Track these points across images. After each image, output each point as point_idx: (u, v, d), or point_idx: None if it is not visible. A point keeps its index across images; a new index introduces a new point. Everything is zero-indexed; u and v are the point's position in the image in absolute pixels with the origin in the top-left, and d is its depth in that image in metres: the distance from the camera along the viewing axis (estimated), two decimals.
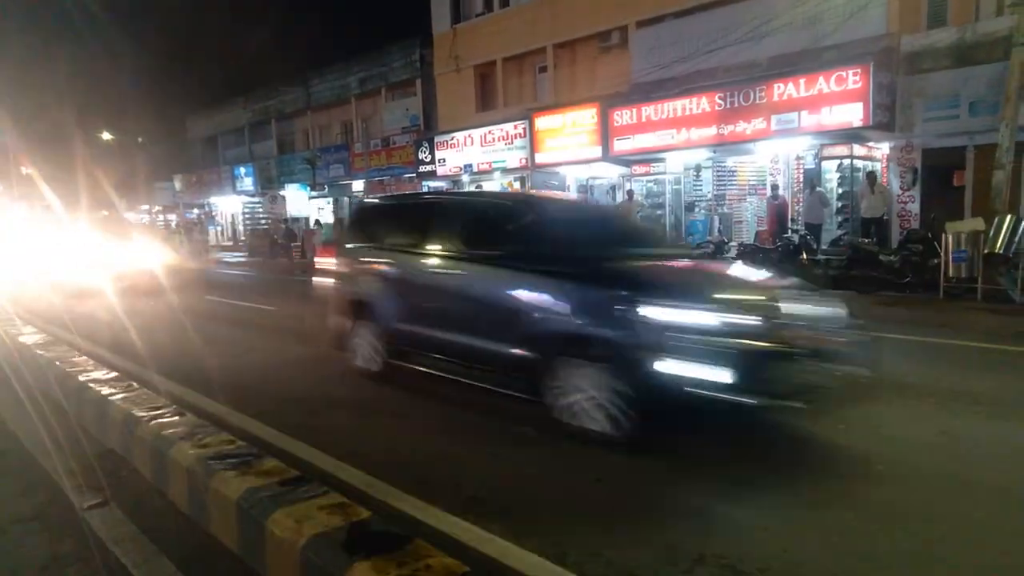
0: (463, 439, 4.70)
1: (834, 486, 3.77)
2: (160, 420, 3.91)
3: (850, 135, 14.09)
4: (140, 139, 41.59)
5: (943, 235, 11.17)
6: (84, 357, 5.84)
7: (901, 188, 14.16)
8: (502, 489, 3.72)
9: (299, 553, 2.47)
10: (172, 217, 40.88)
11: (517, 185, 23.11)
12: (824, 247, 13.59)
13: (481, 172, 22.27)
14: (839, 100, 13.46)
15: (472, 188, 23.49)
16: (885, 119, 13.56)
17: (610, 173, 19.60)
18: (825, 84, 13.64)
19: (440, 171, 23.43)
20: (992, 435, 4.61)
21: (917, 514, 3.41)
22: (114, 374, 5.13)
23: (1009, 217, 10.86)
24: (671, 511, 3.48)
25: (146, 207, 42.54)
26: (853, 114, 13.32)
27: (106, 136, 38.54)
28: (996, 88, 11.92)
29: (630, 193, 18.15)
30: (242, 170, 34.90)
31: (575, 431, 4.47)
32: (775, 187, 15.53)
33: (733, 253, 14.13)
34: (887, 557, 3.00)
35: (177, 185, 40.67)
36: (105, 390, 4.59)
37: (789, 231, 14.11)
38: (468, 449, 4.48)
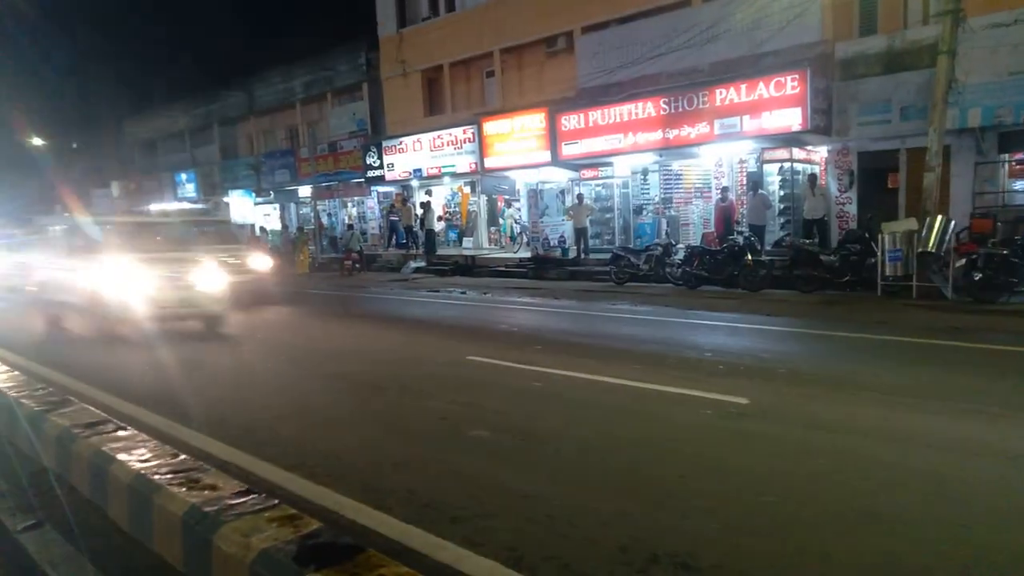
0: (416, 444, 4.66)
1: (777, 483, 3.86)
2: (99, 435, 3.76)
3: (790, 139, 14.52)
4: (74, 144, 40.09)
5: (879, 235, 11.59)
6: (16, 371, 5.58)
7: (839, 190, 14.65)
8: (456, 495, 3.69)
9: (248, 568, 2.41)
10: None
11: (468, 190, 23.15)
12: (768, 248, 13.95)
13: (431, 177, 22.17)
14: (779, 105, 13.87)
15: (422, 192, 23.45)
16: (822, 123, 14.02)
17: (559, 177, 19.75)
18: (765, 89, 14.03)
19: (389, 176, 23.25)
20: (922, 425, 4.80)
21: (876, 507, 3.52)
22: (48, 388, 4.92)
23: (940, 217, 11.33)
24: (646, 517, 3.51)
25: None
26: (792, 118, 13.73)
27: (37, 141, 36.99)
28: (925, 94, 12.43)
29: (580, 197, 18.32)
30: (183, 176, 33.97)
31: None
32: (725, 189, 15.85)
33: (681, 255, 14.39)
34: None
35: (115, 191, 39.29)
36: (38, 405, 4.39)
37: (735, 233, 14.43)
38: (421, 454, 4.43)
